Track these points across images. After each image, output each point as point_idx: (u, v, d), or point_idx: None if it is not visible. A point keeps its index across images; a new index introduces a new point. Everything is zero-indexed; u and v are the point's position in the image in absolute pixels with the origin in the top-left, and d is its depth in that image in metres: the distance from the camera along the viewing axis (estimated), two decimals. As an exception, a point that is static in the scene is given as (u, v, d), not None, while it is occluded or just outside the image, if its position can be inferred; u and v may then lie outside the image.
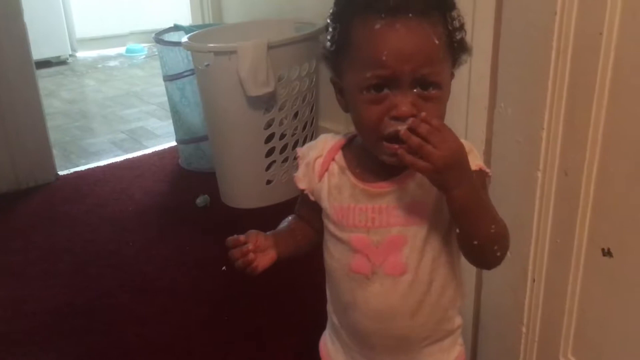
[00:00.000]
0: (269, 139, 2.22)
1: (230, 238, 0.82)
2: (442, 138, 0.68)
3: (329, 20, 0.78)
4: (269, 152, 2.24)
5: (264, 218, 2.16)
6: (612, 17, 0.83)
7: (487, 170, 0.80)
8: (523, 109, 1.02)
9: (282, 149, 2.26)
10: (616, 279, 0.93)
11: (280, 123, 2.23)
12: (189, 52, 2.26)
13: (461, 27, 0.75)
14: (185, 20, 3.21)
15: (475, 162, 0.78)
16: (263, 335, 1.59)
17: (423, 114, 0.69)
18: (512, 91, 1.04)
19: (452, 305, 0.87)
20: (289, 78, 2.19)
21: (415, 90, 0.71)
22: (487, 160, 1.13)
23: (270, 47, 2.06)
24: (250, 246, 0.81)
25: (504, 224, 0.77)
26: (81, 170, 2.70)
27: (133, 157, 2.84)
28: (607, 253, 0.93)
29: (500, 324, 1.20)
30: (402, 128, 0.70)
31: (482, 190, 0.78)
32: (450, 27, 0.73)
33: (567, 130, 0.95)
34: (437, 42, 0.71)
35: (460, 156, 0.70)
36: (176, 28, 2.64)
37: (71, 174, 2.67)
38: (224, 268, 1.86)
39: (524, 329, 1.12)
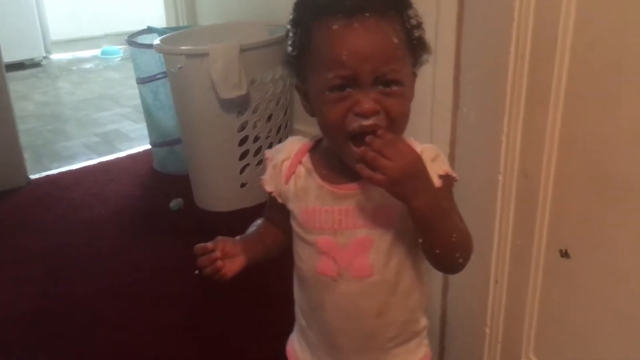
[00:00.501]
0: (242, 141, 2.21)
1: (197, 246, 0.82)
2: (396, 150, 0.69)
3: (289, 26, 0.78)
4: (243, 155, 2.23)
5: (238, 221, 2.10)
6: (567, 22, 0.85)
7: (454, 174, 0.81)
8: (484, 112, 1.04)
9: (256, 151, 2.25)
10: (574, 279, 0.95)
11: (254, 126, 2.23)
12: (161, 55, 2.24)
13: (418, 26, 0.76)
14: (161, 22, 3.20)
15: (442, 167, 0.79)
16: (234, 338, 1.58)
17: (380, 131, 0.71)
18: (473, 95, 1.06)
19: (418, 307, 0.88)
20: (263, 81, 2.19)
21: (377, 87, 0.72)
22: (452, 163, 1.14)
23: (242, 49, 2.05)
24: (217, 254, 0.81)
25: (467, 230, 0.78)
26: (53, 174, 2.67)
27: (106, 161, 2.82)
28: (564, 254, 0.95)
29: (465, 325, 1.22)
30: (366, 123, 0.72)
31: (448, 197, 0.79)
32: (407, 26, 0.74)
33: (525, 134, 0.97)
34: (395, 40, 0.72)
35: (415, 168, 0.71)
36: (149, 30, 2.63)
37: (43, 177, 2.64)
38: (196, 272, 1.83)
39: (487, 330, 1.13)
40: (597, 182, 0.87)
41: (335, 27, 0.71)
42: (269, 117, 2.27)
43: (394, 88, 0.73)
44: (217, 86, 2.06)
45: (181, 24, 3.05)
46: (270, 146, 2.29)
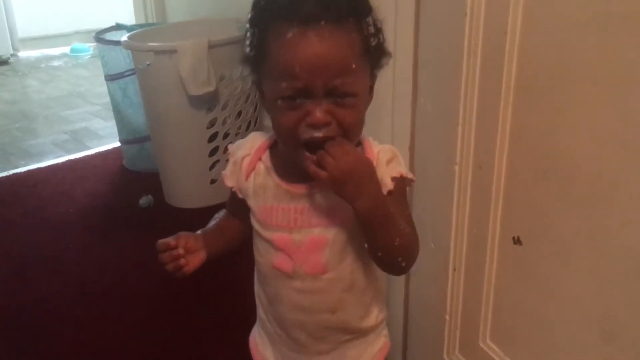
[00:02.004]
0: (212, 138, 2.22)
1: (160, 242, 0.82)
2: (341, 151, 0.72)
3: (247, 25, 0.77)
4: (213, 152, 2.24)
5: (208, 218, 2.12)
6: (515, 18, 0.88)
7: (409, 176, 0.82)
8: (440, 105, 1.07)
9: (225, 148, 2.24)
10: (526, 266, 0.98)
11: (224, 122, 2.23)
12: (130, 51, 2.23)
13: (377, 32, 0.75)
14: (131, 20, 3.17)
15: (397, 169, 0.81)
16: (200, 333, 1.59)
17: (338, 138, 0.72)
18: (430, 89, 1.09)
19: (374, 302, 0.90)
20: (232, 77, 2.19)
21: (330, 99, 0.72)
22: (412, 154, 1.17)
23: (211, 46, 2.05)
24: (180, 250, 0.81)
25: (412, 235, 0.80)
26: (21, 172, 2.64)
27: (75, 158, 2.79)
28: (517, 241, 0.98)
29: (426, 313, 1.25)
30: (317, 134, 0.72)
31: (398, 200, 0.81)
32: (366, 33, 0.73)
33: (479, 126, 1.00)
34: (350, 51, 0.72)
35: (358, 169, 0.73)
36: (118, 27, 2.61)
37: (10, 175, 2.61)
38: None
39: (447, 317, 1.17)
40: (544, 172, 0.90)
41: (289, 35, 0.70)
42: (239, 114, 2.28)
43: (347, 100, 0.73)
44: (185, 83, 2.05)
45: (150, 22, 3.03)
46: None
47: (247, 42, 0.77)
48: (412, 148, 1.17)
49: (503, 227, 1.01)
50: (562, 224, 0.89)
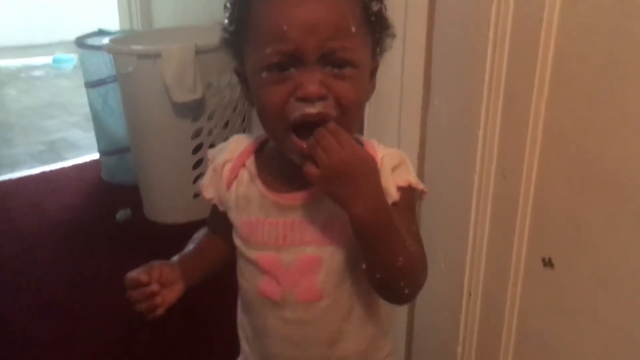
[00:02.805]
0: (196, 149, 2.14)
1: (129, 276, 0.71)
2: (335, 143, 0.60)
3: (227, 3, 0.68)
4: (197, 164, 2.15)
5: (189, 234, 2.02)
6: (553, 2, 0.77)
7: (420, 186, 0.71)
8: (458, 106, 0.96)
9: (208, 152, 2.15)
10: (558, 291, 0.86)
11: (210, 133, 2.16)
12: (111, 57, 2.16)
13: (378, 4, 0.66)
14: (116, 27, 3.09)
15: (405, 177, 0.70)
16: (178, 357, 1.51)
17: (330, 123, 0.61)
18: (446, 87, 0.98)
19: (379, 333, 0.78)
20: (219, 85, 2.13)
21: (326, 68, 0.62)
22: (421, 163, 1.06)
23: (198, 51, 2.00)
24: (155, 287, 0.71)
25: (419, 256, 0.68)
26: (-10, 183, 2.55)
27: (50, 170, 2.73)
28: (548, 263, 0.86)
29: (434, 344, 1.13)
30: (310, 111, 0.61)
31: (405, 212, 0.69)
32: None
33: (504, 129, 0.89)
34: (348, 11, 0.62)
35: (355, 168, 0.61)
36: (101, 33, 2.57)
37: (-20, 186, 2.52)
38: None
39: (459, 349, 1.04)
40: (584, 181, 0.79)
41: None
42: (226, 124, 2.21)
43: (346, 70, 0.62)
44: (170, 89, 1.98)
45: (136, 28, 2.96)
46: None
47: (227, 16, 0.69)
48: (422, 155, 1.06)
49: (531, 246, 0.89)
50: (604, 244, 0.77)
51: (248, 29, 0.65)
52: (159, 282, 0.71)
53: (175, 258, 0.78)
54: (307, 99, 0.61)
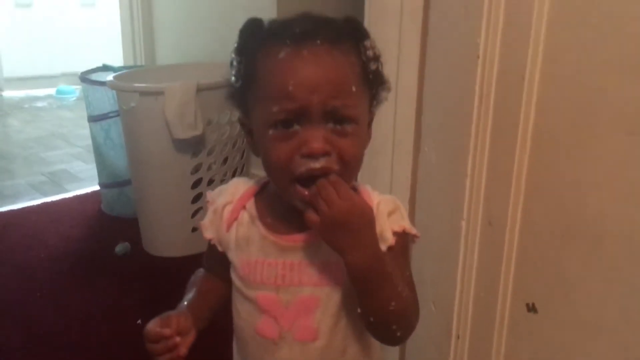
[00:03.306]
0: (196, 184, 2.15)
1: (150, 330, 0.73)
2: (336, 194, 0.64)
3: (233, 55, 0.72)
4: (196, 198, 2.16)
5: (188, 267, 2.00)
6: (534, 61, 0.82)
7: (413, 231, 0.74)
8: (447, 154, 0.99)
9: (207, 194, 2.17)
10: (542, 337, 0.88)
11: (209, 168, 2.17)
12: (114, 92, 2.18)
13: (376, 58, 0.70)
14: (119, 62, 3.14)
15: (400, 223, 0.73)
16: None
17: (332, 175, 0.65)
18: (436, 136, 1.02)
19: None
20: (219, 122, 2.15)
21: (328, 124, 0.65)
22: (412, 208, 1.09)
23: (199, 89, 2.02)
24: (177, 339, 0.73)
25: (411, 300, 0.71)
26: (-8, 214, 2.54)
27: (51, 201, 2.72)
28: (531, 308, 0.89)
29: (424, 384, 1.13)
30: (315, 166, 0.65)
31: (398, 257, 0.72)
32: (364, 58, 0.68)
33: (490, 178, 0.92)
34: (349, 72, 0.66)
35: (354, 218, 0.65)
36: (105, 68, 2.60)
37: (-20, 217, 2.50)
38: (139, 321, 1.74)
39: (448, 390, 1.05)
40: (565, 231, 0.83)
41: (281, 55, 0.65)
42: (225, 160, 2.22)
43: (348, 126, 0.66)
44: (171, 126, 2.00)
45: (139, 64, 3.01)
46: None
47: (233, 73, 0.72)
48: (412, 201, 1.09)
49: (516, 292, 0.92)
50: (586, 290, 0.81)
51: (255, 87, 0.69)
52: (177, 333, 0.73)
53: (183, 305, 0.79)
54: (311, 155, 0.64)
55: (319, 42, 0.65)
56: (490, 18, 0.86)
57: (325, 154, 0.65)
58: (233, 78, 0.72)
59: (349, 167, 0.67)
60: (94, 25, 5.01)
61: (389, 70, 1.02)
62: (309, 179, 0.66)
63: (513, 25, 0.84)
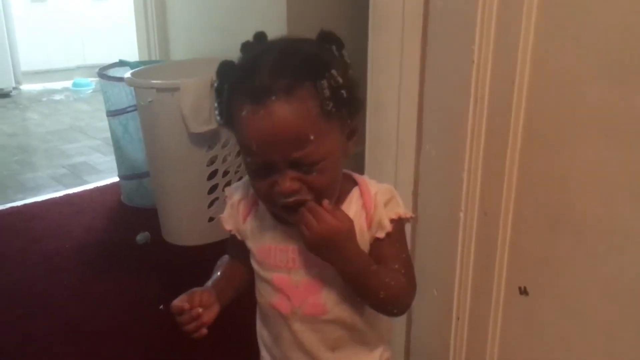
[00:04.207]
0: (211, 175, 2.21)
1: (175, 305, 0.80)
2: (312, 220, 0.72)
3: (215, 93, 0.78)
4: (212, 189, 2.23)
5: (205, 255, 2.10)
6: (523, 67, 0.88)
7: (408, 215, 0.82)
8: (446, 151, 1.06)
9: (225, 186, 2.24)
10: (533, 317, 0.96)
11: (224, 160, 2.24)
12: (132, 88, 2.24)
13: (337, 90, 0.71)
14: (134, 55, 3.21)
15: (395, 210, 0.81)
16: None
17: (308, 203, 0.73)
18: (436, 134, 1.08)
19: (376, 341, 0.89)
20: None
21: (295, 169, 0.73)
22: (415, 200, 1.16)
23: (213, 84, 2.05)
24: (200, 310, 0.80)
25: (403, 283, 0.79)
26: (17, 206, 2.62)
27: (73, 193, 2.77)
28: (523, 291, 0.97)
29: (428, 361, 1.22)
30: (288, 201, 0.73)
31: (396, 239, 0.81)
32: (322, 97, 0.71)
33: (485, 173, 0.99)
34: (306, 122, 0.70)
35: (332, 237, 0.73)
36: (121, 63, 2.63)
37: (6, 209, 2.59)
38: (161, 307, 1.82)
39: (450, 367, 1.14)
40: (553, 222, 0.89)
41: (244, 113, 0.71)
42: (239, 152, 2.24)
43: (314, 167, 0.73)
44: (187, 120, 2.06)
45: (154, 59, 3.06)
46: (239, 180, 2.28)
47: (216, 111, 0.78)
48: (415, 194, 1.16)
49: (509, 277, 0.99)
50: (571, 276, 0.88)
51: (233, 130, 0.76)
52: (201, 306, 0.80)
53: (208, 283, 0.87)
54: (283, 195, 0.73)
55: (274, 98, 0.69)
56: (483, 26, 0.92)
57: (295, 192, 0.73)
58: (217, 116, 0.78)
59: (322, 194, 0.74)
60: (109, 18, 5.05)
61: (392, 74, 1.11)
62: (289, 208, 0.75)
63: (504, 34, 0.90)
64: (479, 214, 1.02)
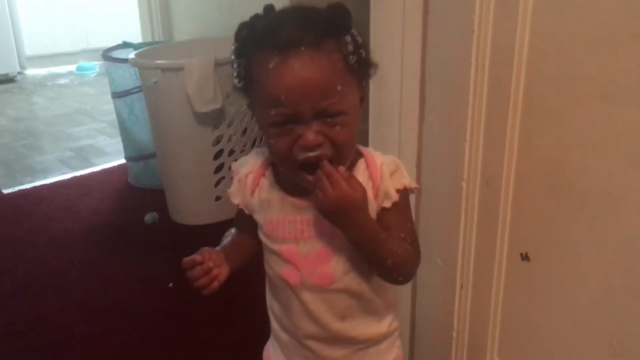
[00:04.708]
0: (217, 155, 2.23)
1: (186, 259, 0.82)
2: (329, 184, 0.73)
3: (232, 56, 0.78)
4: (218, 169, 2.24)
5: (213, 234, 2.09)
6: (523, 34, 0.89)
7: (413, 186, 0.83)
8: (448, 122, 1.07)
9: (231, 165, 2.26)
10: (534, 282, 0.98)
11: (229, 139, 2.25)
12: (137, 69, 2.25)
13: (358, 48, 0.75)
14: (138, 38, 3.21)
15: (401, 181, 0.82)
16: (208, 350, 1.58)
17: (322, 162, 0.74)
18: (438, 105, 1.09)
19: (384, 310, 0.91)
20: (237, 95, 2.19)
21: (319, 120, 0.74)
22: (418, 171, 1.18)
23: (217, 64, 2.07)
24: (210, 263, 0.81)
25: (410, 251, 0.81)
26: (26, 189, 2.65)
27: (81, 175, 2.81)
28: (525, 257, 0.98)
29: (433, 329, 1.24)
30: (311, 154, 0.74)
31: (403, 209, 0.82)
32: (345, 51, 0.74)
33: (487, 142, 1.00)
34: (333, 73, 0.73)
35: (346, 203, 0.74)
36: (125, 45, 2.64)
37: (16, 192, 2.62)
38: (170, 285, 1.86)
39: (454, 334, 1.16)
40: (553, 188, 0.91)
41: (271, 65, 0.71)
42: (244, 131, 2.29)
43: (337, 119, 0.74)
44: (192, 100, 2.07)
45: (157, 40, 3.07)
46: (245, 158, 2.30)
47: (235, 74, 0.79)
48: (419, 164, 1.17)
49: (511, 244, 1.01)
50: (571, 240, 0.89)
51: (253, 89, 0.77)
52: (213, 262, 0.82)
53: (217, 248, 0.88)
54: (307, 148, 0.74)
55: (303, 48, 0.70)
56: (483, -5, 0.94)
57: (319, 144, 0.74)
58: (235, 78, 0.79)
59: (342, 151, 0.76)
60: (111, 0, 5.06)
61: (394, 47, 1.11)
62: (310, 164, 0.75)
63: (503, 3, 0.91)
64: (481, 183, 1.03)
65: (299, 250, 0.84)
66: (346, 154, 0.78)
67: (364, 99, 0.81)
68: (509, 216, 1.00)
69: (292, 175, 0.79)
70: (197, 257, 0.82)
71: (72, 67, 5.03)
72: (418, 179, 1.17)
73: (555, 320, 0.95)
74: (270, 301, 0.94)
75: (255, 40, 0.74)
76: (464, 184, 1.06)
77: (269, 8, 0.78)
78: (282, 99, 0.71)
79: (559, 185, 0.89)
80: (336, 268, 0.83)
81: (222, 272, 0.84)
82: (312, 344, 0.89)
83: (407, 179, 0.83)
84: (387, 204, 0.81)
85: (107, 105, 3.62)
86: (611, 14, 0.75)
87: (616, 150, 0.78)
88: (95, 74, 4.89)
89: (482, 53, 0.96)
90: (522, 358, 1.05)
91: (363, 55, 0.76)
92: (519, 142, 0.95)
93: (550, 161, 0.90)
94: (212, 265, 0.81)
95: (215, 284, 0.82)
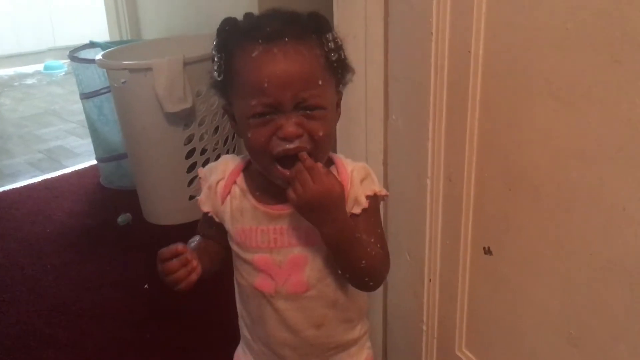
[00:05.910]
0: (189, 154, 2.23)
1: (164, 249, 0.77)
2: (308, 178, 0.73)
3: (213, 51, 0.79)
4: (191, 168, 2.24)
5: (187, 234, 2.08)
6: (478, 37, 0.91)
7: (383, 193, 0.84)
8: (411, 121, 1.10)
9: (203, 164, 2.21)
10: (497, 275, 1.01)
11: (201, 138, 2.25)
12: (105, 69, 2.23)
13: (338, 48, 0.78)
14: (105, 36, 3.17)
15: (371, 187, 0.83)
16: (182, 352, 1.59)
17: (301, 154, 0.74)
18: (401, 104, 1.12)
19: (357, 317, 0.93)
20: (208, 93, 2.18)
21: (299, 112, 0.75)
22: (385, 170, 1.20)
23: (186, 63, 2.06)
24: (188, 255, 0.77)
25: (380, 257, 0.82)
26: (-4, 193, 2.61)
27: (51, 178, 2.78)
28: (487, 251, 1.01)
29: (404, 323, 1.27)
30: (290, 146, 0.74)
31: (372, 216, 0.83)
32: (326, 49, 0.76)
33: (448, 140, 1.03)
34: (315, 65, 0.74)
35: (325, 198, 0.74)
36: (92, 45, 2.60)
37: (-15, 197, 2.58)
38: (146, 286, 1.86)
39: (424, 327, 1.19)
40: (511, 184, 0.93)
41: (255, 54, 0.73)
42: (216, 129, 2.29)
43: (316, 112, 0.75)
44: (162, 100, 2.06)
45: (125, 39, 3.04)
46: (217, 158, 2.29)
47: (215, 68, 0.79)
48: (385, 163, 1.20)
49: (474, 238, 1.04)
50: (529, 234, 0.92)
51: (234, 81, 0.77)
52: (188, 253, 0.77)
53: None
54: (286, 138, 0.74)
55: (286, 39, 0.72)
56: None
57: (298, 136, 0.74)
58: (215, 72, 0.79)
59: (320, 145, 0.76)
60: (77, -1, 4.99)
61: (358, 47, 1.13)
62: (287, 158, 0.75)
63: (459, 6, 0.93)
64: (444, 180, 1.06)
65: (272, 259, 0.83)
66: (324, 149, 0.78)
67: (338, 106, 0.83)
68: (472, 211, 1.02)
69: (267, 170, 0.78)
70: (178, 245, 0.78)
71: (40, 67, 4.95)
72: (385, 177, 1.20)
73: (517, 311, 0.98)
74: (242, 310, 0.93)
75: (239, 33, 0.76)
76: (428, 181, 1.08)
77: (249, 14, 0.80)
78: (265, 87, 0.72)
79: (516, 180, 0.92)
80: (310, 275, 0.83)
81: (199, 267, 0.79)
82: (285, 351, 0.89)
83: (377, 186, 0.84)
84: (357, 210, 0.82)
85: (77, 105, 3.55)
86: (560, 17, 0.77)
87: (567, 146, 0.81)
88: (63, 73, 4.81)
89: (440, 54, 0.99)
90: (488, 349, 1.08)
91: (342, 56, 0.78)
92: (478, 140, 0.97)
93: (508, 157, 0.93)
94: (189, 257, 0.77)
95: (194, 276, 0.77)
